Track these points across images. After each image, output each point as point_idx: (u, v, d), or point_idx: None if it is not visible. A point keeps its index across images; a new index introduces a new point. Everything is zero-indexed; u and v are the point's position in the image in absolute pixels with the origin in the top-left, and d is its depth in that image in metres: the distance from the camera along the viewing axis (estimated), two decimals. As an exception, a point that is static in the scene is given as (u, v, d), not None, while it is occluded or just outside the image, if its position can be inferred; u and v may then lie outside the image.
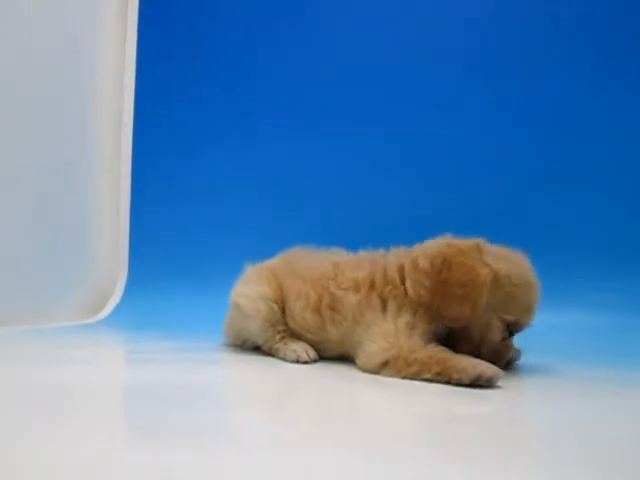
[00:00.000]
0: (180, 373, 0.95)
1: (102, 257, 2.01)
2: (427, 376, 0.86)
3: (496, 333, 0.96)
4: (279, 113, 1.96)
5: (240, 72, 2.02)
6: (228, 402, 0.83)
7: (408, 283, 0.97)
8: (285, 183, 1.92)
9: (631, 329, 1.37)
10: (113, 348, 1.42)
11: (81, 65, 1.94)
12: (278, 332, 1.10)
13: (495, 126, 1.73)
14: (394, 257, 1.03)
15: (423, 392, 0.82)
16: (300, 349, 1.05)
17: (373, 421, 0.70)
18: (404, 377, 0.89)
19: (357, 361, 0.96)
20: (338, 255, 1.12)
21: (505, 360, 0.99)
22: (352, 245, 1.13)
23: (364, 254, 1.09)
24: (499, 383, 0.84)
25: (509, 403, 0.80)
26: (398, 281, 0.99)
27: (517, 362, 1.03)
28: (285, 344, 1.08)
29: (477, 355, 0.94)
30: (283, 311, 1.11)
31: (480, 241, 0.98)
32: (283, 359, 1.07)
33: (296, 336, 1.10)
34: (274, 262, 1.20)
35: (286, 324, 1.11)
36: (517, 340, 1.01)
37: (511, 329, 0.97)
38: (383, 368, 0.91)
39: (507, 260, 0.95)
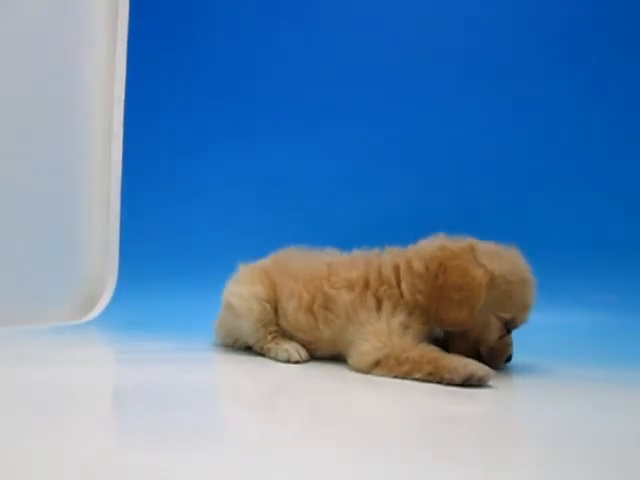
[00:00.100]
0: (171, 373, 0.96)
1: (92, 257, 2.02)
2: (418, 375, 0.88)
3: (494, 332, 0.98)
4: (272, 114, 1.98)
5: (232, 75, 2.03)
6: (220, 402, 0.84)
7: (404, 285, 0.99)
8: (279, 183, 1.93)
9: (630, 329, 1.39)
10: (103, 348, 1.43)
11: (71, 74, 1.96)
12: (270, 332, 1.11)
13: (495, 126, 1.75)
14: (389, 257, 1.05)
15: (415, 392, 0.83)
16: (292, 349, 1.06)
17: (365, 421, 0.71)
18: (396, 376, 0.90)
19: (349, 360, 0.98)
20: (331, 255, 1.14)
21: (504, 358, 1.01)
22: (349, 245, 1.14)
23: (358, 254, 1.11)
24: (491, 383, 0.86)
25: (501, 403, 0.82)
26: (394, 281, 1.00)
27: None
28: (277, 344, 1.09)
29: (475, 354, 0.96)
30: (276, 311, 1.13)
31: (473, 241, 1.00)
32: (274, 359, 1.08)
33: (288, 336, 1.11)
34: (267, 262, 1.21)
35: (278, 324, 1.12)
36: (517, 339, 1.02)
37: (508, 326, 0.99)
38: (375, 367, 0.93)
39: (501, 258, 0.97)
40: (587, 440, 0.62)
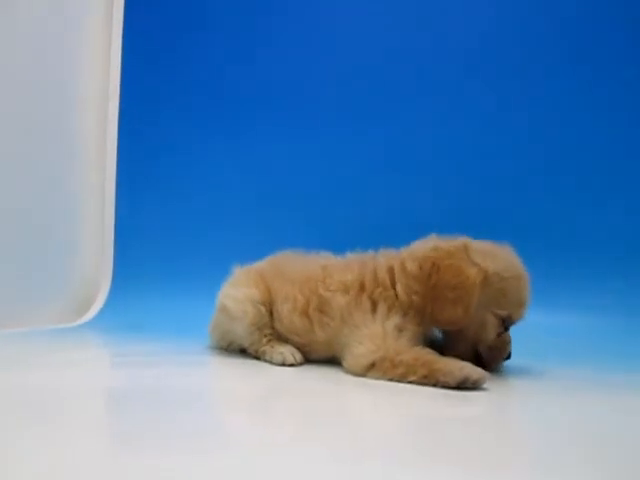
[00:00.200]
0: (166, 376, 0.98)
1: (87, 259, 2.03)
2: (413, 378, 0.89)
3: (492, 330, 0.99)
4: (269, 114, 1.99)
5: (229, 74, 2.04)
6: (215, 405, 0.86)
7: (398, 286, 1.01)
8: (275, 185, 1.94)
9: (626, 331, 1.41)
10: (98, 351, 1.44)
11: (65, 73, 1.98)
12: (265, 335, 1.13)
13: (493, 126, 1.77)
14: (384, 259, 1.07)
15: (409, 394, 0.85)
16: (286, 352, 1.08)
17: (360, 424, 0.73)
18: (390, 379, 0.92)
19: (344, 363, 0.99)
20: (326, 258, 1.15)
21: (504, 355, 1.02)
22: (347, 246, 1.16)
23: (352, 257, 1.13)
24: (485, 385, 0.87)
25: (496, 405, 0.83)
26: (388, 283, 1.02)
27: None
28: (272, 347, 1.11)
29: (474, 354, 0.98)
30: (270, 314, 1.14)
31: (466, 240, 1.01)
32: (269, 362, 1.09)
33: (283, 339, 1.12)
34: (262, 265, 1.23)
35: (273, 327, 1.14)
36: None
37: (506, 324, 1.00)
38: (370, 370, 0.94)
39: (494, 256, 0.98)
40: (583, 441, 0.64)
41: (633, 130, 1.66)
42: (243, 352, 1.19)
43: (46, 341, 1.46)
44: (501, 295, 0.98)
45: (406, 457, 0.57)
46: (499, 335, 1.01)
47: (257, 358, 1.13)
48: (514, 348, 1.04)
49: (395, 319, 0.98)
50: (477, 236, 1.04)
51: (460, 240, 1.02)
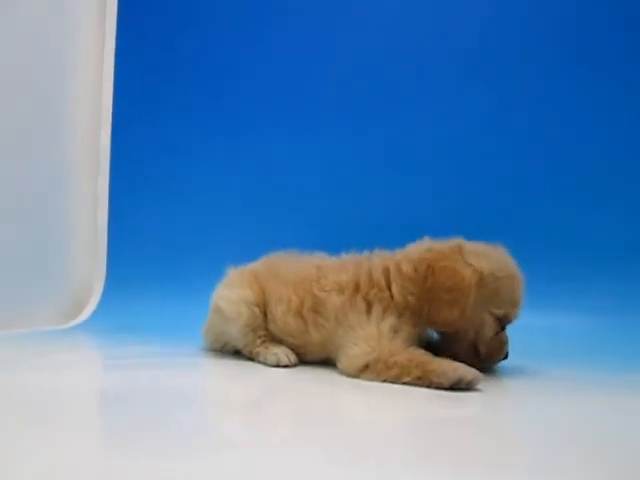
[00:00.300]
0: (159, 378, 0.99)
1: (79, 261, 2.04)
2: (407, 379, 0.90)
3: (490, 329, 1.01)
4: (262, 116, 2.00)
5: (225, 74, 2.06)
6: (208, 407, 0.87)
7: (394, 287, 1.02)
8: (270, 186, 1.96)
9: (621, 332, 1.42)
10: (90, 353, 1.45)
11: (65, 72, 1.99)
12: (259, 336, 1.14)
13: (493, 126, 1.78)
14: (379, 260, 1.08)
15: (404, 396, 0.86)
16: (281, 353, 1.09)
17: (354, 425, 0.74)
18: (384, 380, 0.93)
19: (338, 364, 1.00)
20: (321, 259, 1.17)
21: (502, 355, 1.04)
22: (343, 247, 1.17)
23: (347, 257, 1.14)
24: (479, 386, 0.89)
25: (490, 406, 0.84)
26: (384, 284, 1.03)
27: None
28: (266, 348, 1.12)
29: (472, 354, 1.00)
30: (265, 315, 1.15)
31: (460, 241, 1.03)
32: (263, 363, 1.10)
33: (277, 340, 1.13)
34: (256, 266, 1.24)
35: (267, 328, 1.15)
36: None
37: (502, 323, 1.02)
38: (364, 371, 0.95)
39: (488, 257, 1.00)
40: (583, 441, 0.65)
41: (633, 130, 1.68)
42: (237, 353, 1.20)
43: (39, 343, 1.47)
44: (496, 295, 0.99)
45: (400, 458, 0.58)
46: (496, 334, 1.02)
47: (251, 359, 1.14)
48: (512, 349, 1.05)
49: (390, 320, 0.99)
50: (477, 236, 1.05)
51: (454, 241, 1.03)
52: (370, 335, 0.98)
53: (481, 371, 0.90)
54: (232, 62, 2.05)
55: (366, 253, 1.12)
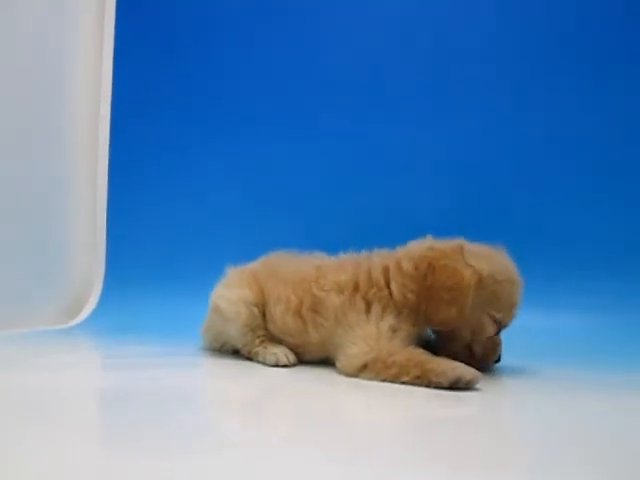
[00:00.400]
0: (158, 378, 0.99)
1: (79, 260, 2.04)
2: (406, 379, 0.91)
3: (488, 331, 1.01)
4: (260, 116, 2.00)
5: (222, 74, 2.05)
6: (208, 407, 0.87)
7: (393, 285, 1.02)
8: (268, 186, 1.95)
9: (620, 331, 1.43)
10: (90, 353, 1.45)
11: (65, 73, 2.00)
12: (258, 336, 1.14)
13: (494, 127, 1.78)
14: (378, 259, 1.08)
15: (403, 395, 0.86)
16: (280, 352, 1.09)
17: (353, 424, 0.74)
18: (383, 380, 0.93)
19: (337, 363, 1.01)
20: (320, 259, 1.17)
21: (495, 357, 1.05)
22: (343, 247, 1.17)
23: (346, 257, 1.14)
24: (478, 385, 0.89)
25: (489, 405, 0.85)
26: (383, 283, 1.04)
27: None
28: (265, 348, 1.12)
29: (467, 354, 1.00)
30: (264, 315, 1.15)
31: (462, 242, 1.03)
32: (262, 363, 1.11)
33: (276, 340, 1.14)
34: (256, 265, 1.24)
35: (266, 328, 1.15)
36: (504, 342, 1.06)
37: (498, 326, 1.02)
38: (363, 371, 0.96)
39: (489, 259, 1.00)
40: (582, 441, 0.65)
41: (633, 130, 1.68)
42: (236, 353, 1.20)
43: (39, 343, 1.47)
44: (494, 297, 1.00)
45: (400, 458, 0.58)
46: (492, 337, 1.02)
47: (250, 359, 1.15)
48: (511, 349, 1.06)
49: (389, 319, 1.00)
50: (476, 236, 1.05)
51: (456, 241, 1.04)
52: (369, 334, 0.98)
53: (480, 371, 0.90)
54: (232, 62, 2.05)
55: (365, 253, 1.12)
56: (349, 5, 1.94)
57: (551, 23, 1.76)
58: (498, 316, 1.01)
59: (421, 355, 0.93)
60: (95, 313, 1.92)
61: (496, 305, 1.00)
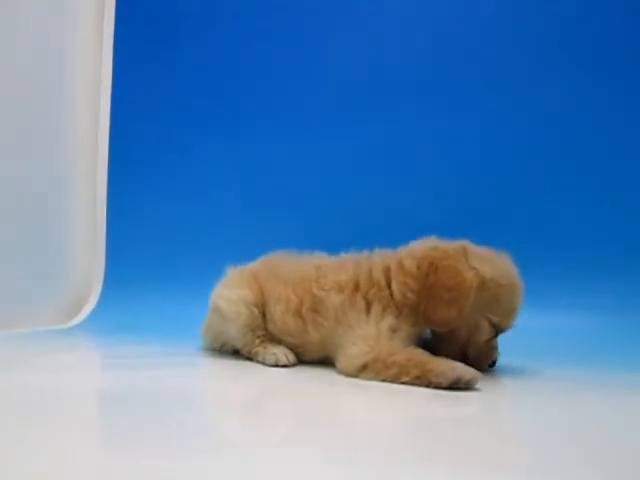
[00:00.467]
0: (158, 378, 0.99)
1: (79, 261, 2.05)
2: (406, 379, 0.91)
3: (484, 334, 1.01)
4: (260, 116, 2.00)
5: (222, 75, 2.06)
6: (207, 406, 0.87)
7: (394, 284, 1.03)
8: (269, 186, 1.96)
9: (619, 331, 1.43)
10: (89, 353, 1.45)
11: (65, 72, 2.00)
12: (258, 336, 1.14)
13: (493, 127, 1.78)
14: (379, 259, 1.08)
15: (403, 395, 0.86)
16: (279, 352, 1.09)
17: (353, 424, 0.74)
18: (383, 380, 0.93)
19: (337, 364, 1.01)
20: (320, 258, 1.17)
21: (490, 361, 1.04)
22: (343, 247, 1.17)
23: (346, 257, 1.14)
24: (478, 386, 0.89)
25: (488, 405, 0.85)
26: (384, 283, 1.04)
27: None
28: (264, 348, 1.12)
29: (463, 356, 0.99)
30: (264, 315, 1.15)
31: (465, 243, 1.03)
32: (262, 363, 1.11)
33: (276, 340, 1.14)
34: (256, 265, 1.24)
35: (266, 328, 1.15)
36: (503, 342, 1.06)
37: (496, 330, 1.02)
38: (362, 371, 0.96)
39: (492, 263, 1.00)
40: (582, 441, 0.66)
41: (633, 130, 1.68)
42: (236, 353, 1.20)
43: (39, 343, 1.47)
44: (495, 301, 1.00)
45: (400, 458, 0.58)
46: (488, 340, 1.03)
47: (250, 359, 1.15)
48: (511, 349, 1.06)
49: (389, 319, 1.00)
50: (476, 236, 1.06)
51: (459, 243, 1.04)
52: (369, 334, 0.98)
53: (480, 371, 0.90)
54: (232, 62, 2.05)
55: (366, 252, 1.12)
56: (349, 5, 1.94)
57: (551, 23, 1.76)
58: (496, 320, 1.01)
59: (421, 355, 0.93)
60: (95, 313, 1.92)
61: (495, 309, 1.00)
